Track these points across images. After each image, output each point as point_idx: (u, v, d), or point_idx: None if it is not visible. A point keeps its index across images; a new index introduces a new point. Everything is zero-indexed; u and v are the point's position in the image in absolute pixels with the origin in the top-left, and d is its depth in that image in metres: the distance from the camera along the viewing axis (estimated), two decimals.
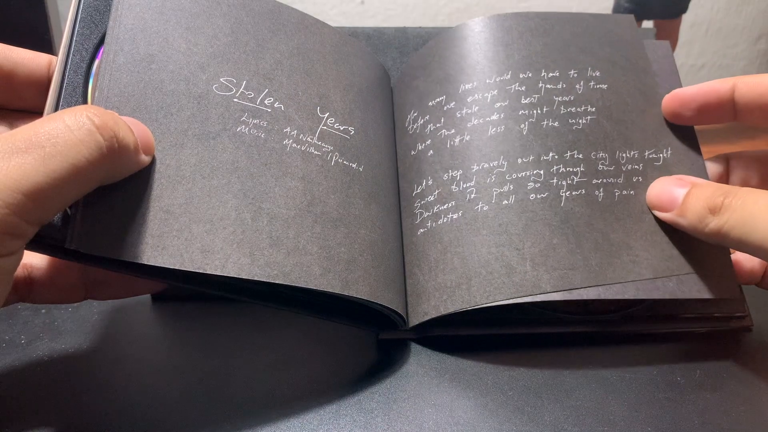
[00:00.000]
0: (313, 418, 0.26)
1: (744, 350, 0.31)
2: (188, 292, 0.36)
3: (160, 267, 0.23)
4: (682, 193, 0.29)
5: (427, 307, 0.30)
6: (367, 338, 0.32)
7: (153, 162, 0.25)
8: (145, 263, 0.23)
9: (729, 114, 0.31)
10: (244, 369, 0.29)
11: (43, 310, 0.34)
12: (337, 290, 0.27)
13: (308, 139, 0.29)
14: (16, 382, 0.28)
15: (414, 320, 0.30)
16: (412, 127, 0.35)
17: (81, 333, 0.32)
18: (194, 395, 0.27)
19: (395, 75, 0.41)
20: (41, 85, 0.27)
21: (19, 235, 0.20)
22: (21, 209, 0.19)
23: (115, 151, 0.22)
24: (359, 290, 0.27)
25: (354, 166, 0.31)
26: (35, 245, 0.22)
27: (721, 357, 0.30)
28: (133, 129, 0.23)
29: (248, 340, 0.32)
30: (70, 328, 0.32)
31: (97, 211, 0.23)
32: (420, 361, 0.30)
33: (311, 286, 0.26)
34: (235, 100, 0.28)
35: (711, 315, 0.33)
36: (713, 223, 0.27)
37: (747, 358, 0.30)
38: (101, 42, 0.26)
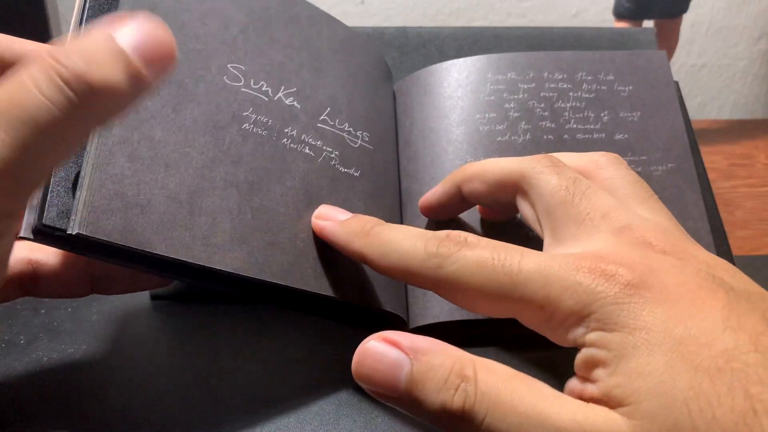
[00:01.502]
0: (313, 418, 0.26)
1: None
2: (188, 291, 0.36)
3: (162, 259, 0.23)
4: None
5: (438, 311, 0.30)
6: None
7: (159, 150, 0.24)
8: (149, 252, 0.23)
9: (463, 206, 0.31)
10: (244, 369, 0.29)
11: (43, 311, 0.34)
12: (330, 293, 0.27)
13: (310, 139, 0.29)
14: (15, 382, 0.28)
15: (421, 322, 0.30)
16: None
17: (81, 333, 0.32)
18: (194, 395, 0.27)
19: (395, 75, 0.41)
20: None
21: (2, 215, 0.18)
22: None
23: (91, 99, 0.18)
24: (357, 294, 0.27)
25: (355, 166, 0.31)
26: (42, 237, 0.22)
27: None
28: (137, 41, 0.18)
29: (248, 340, 0.32)
30: (69, 328, 0.32)
31: (100, 197, 0.23)
32: None
33: (306, 288, 0.26)
34: (243, 90, 0.28)
35: None
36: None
37: None
38: None
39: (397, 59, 0.43)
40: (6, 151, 0.17)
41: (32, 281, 0.26)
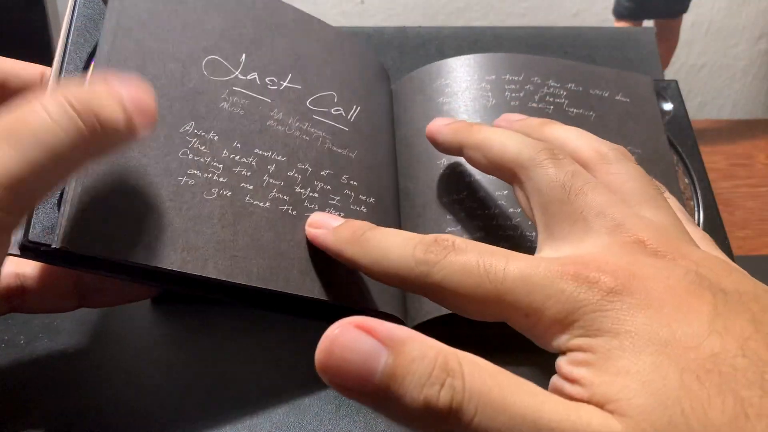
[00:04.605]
0: (313, 419, 0.26)
1: None
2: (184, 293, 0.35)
3: (145, 269, 0.24)
4: None
5: (429, 307, 0.30)
6: None
7: (140, 161, 0.25)
8: (130, 262, 0.23)
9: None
10: (244, 369, 0.29)
11: None
12: (314, 294, 0.27)
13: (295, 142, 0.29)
14: (15, 382, 0.28)
15: (417, 319, 0.30)
16: None
17: (80, 333, 0.32)
18: (194, 395, 0.27)
19: (395, 75, 0.41)
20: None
21: (1, 228, 0.19)
22: (1, 202, 0.18)
23: (97, 132, 0.20)
24: (352, 295, 0.27)
25: (346, 174, 0.31)
26: (28, 253, 0.23)
27: None
28: (130, 96, 0.21)
29: (248, 340, 0.32)
30: (69, 328, 0.32)
31: (83, 211, 0.23)
32: None
33: (290, 290, 0.26)
34: (224, 96, 0.28)
35: None
36: None
37: None
38: (94, 52, 0.27)
39: (396, 59, 0.43)
40: (13, 166, 0.18)
41: (19, 296, 0.26)
